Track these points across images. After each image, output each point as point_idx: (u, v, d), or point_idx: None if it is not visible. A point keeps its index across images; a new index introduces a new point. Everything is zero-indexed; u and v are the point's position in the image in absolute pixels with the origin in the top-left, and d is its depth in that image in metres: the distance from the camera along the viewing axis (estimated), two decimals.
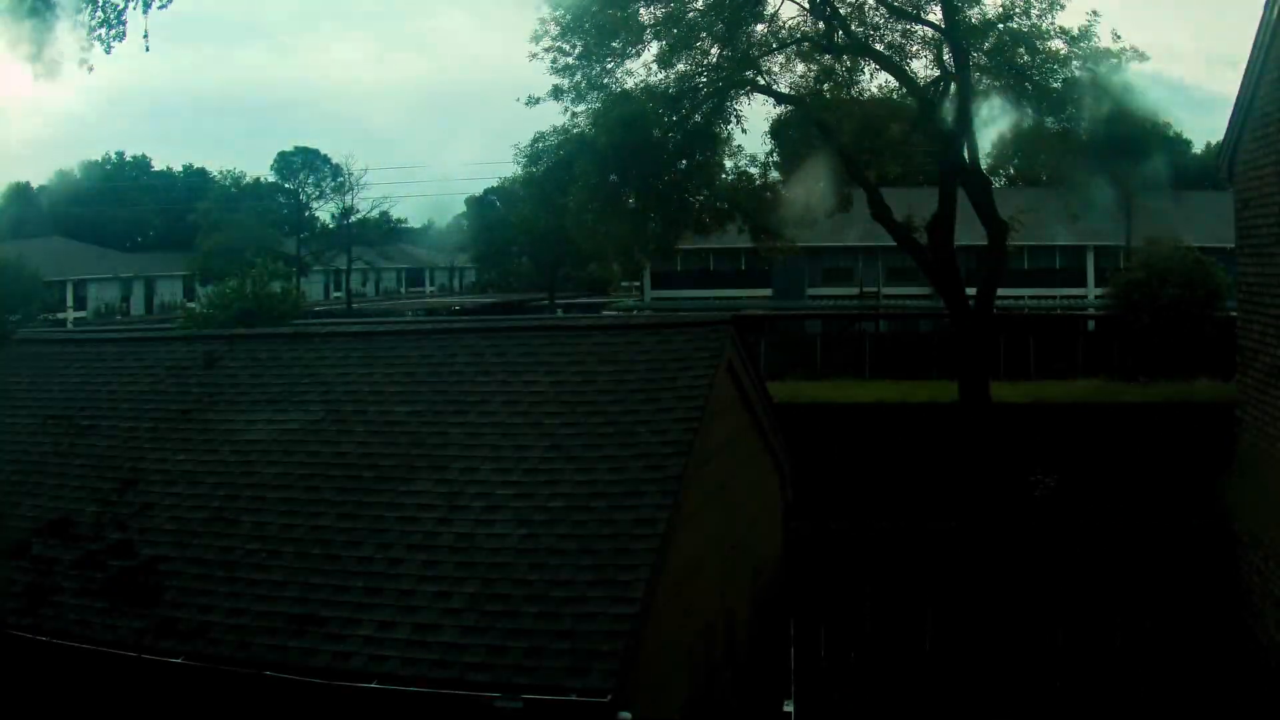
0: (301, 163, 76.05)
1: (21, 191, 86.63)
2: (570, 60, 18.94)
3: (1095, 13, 17.66)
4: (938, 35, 18.30)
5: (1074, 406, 24.04)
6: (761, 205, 21.81)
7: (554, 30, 18.97)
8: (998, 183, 45.06)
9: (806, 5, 19.07)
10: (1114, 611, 15.41)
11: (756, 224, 21.95)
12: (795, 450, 14.38)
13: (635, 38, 18.48)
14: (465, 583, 7.97)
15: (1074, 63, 17.55)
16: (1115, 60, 17.49)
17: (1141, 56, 17.58)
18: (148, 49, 9.34)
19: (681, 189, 20.61)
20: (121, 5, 9.20)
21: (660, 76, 18.87)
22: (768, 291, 57.24)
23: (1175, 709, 14.81)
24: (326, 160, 75.19)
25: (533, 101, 19.60)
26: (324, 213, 75.13)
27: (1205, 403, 23.99)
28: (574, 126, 19.67)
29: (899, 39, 18.97)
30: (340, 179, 70.44)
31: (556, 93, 19.21)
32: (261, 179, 77.77)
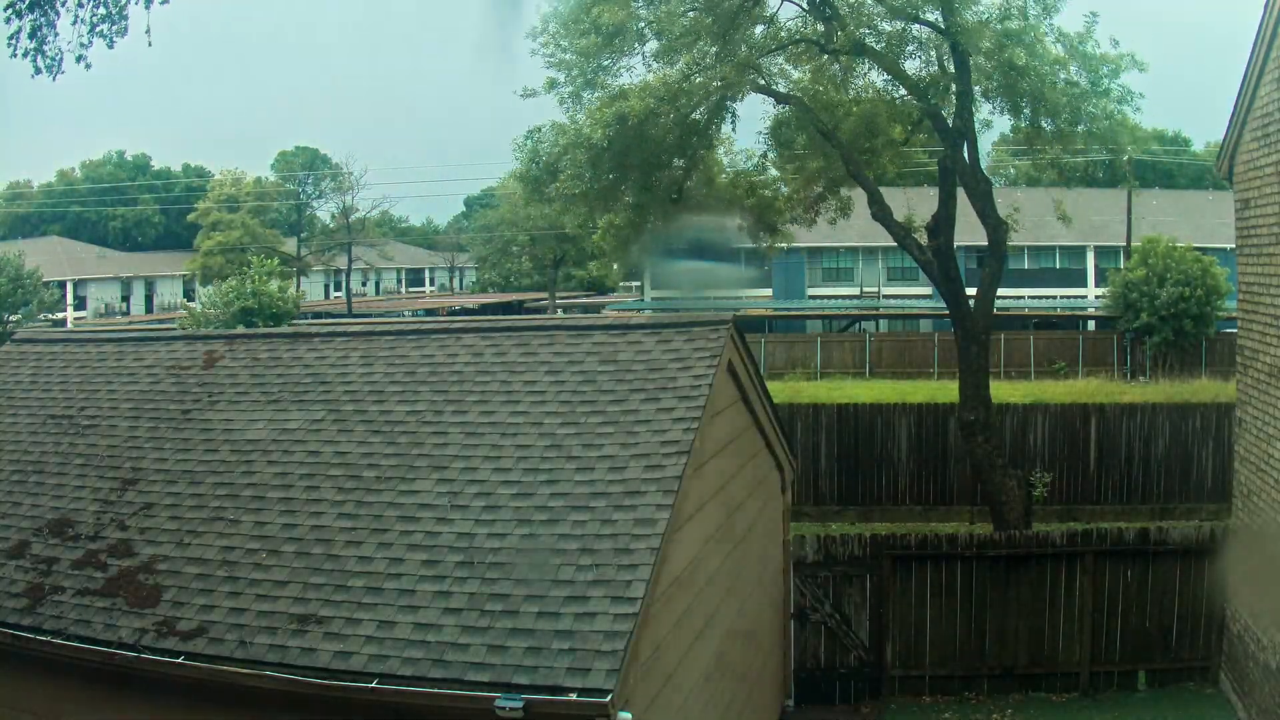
0: (301, 162, 76.12)
1: (22, 191, 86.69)
2: (567, 57, 18.93)
3: (1094, 13, 17.61)
4: (937, 35, 18.29)
5: (1074, 407, 24.04)
6: (760, 204, 21.77)
7: (552, 27, 18.96)
8: (998, 183, 45.03)
9: (805, 5, 19.05)
10: (1111, 612, 15.41)
11: (754, 222, 21.89)
12: (795, 450, 14.35)
13: (635, 37, 18.47)
14: (465, 582, 7.98)
15: (1073, 66, 17.51)
16: (1112, 66, 17.44)
17: (1140, 66, 17.50)
18: (150, 44, 9.33)
19: (679, 188, 20.59)
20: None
21: (657, 75, 18.86)
22: (768, 291, 57.32)
23: (1173, 708, 14.83)
24: (326, 160, 75.30)
25: (528, 94, 19.57)
26: (324, 213, 75.19)
27: (1205, 402, 24.02)
28: (571, 124, 19.62)
29: (898, 39, 18.96)
30: (340, 178, 70.48)
31: (551, 85, 19.17)
32: (262, 178, 77.85)
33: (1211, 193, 57.97)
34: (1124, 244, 48.33)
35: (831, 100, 20.35)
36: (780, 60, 20.09)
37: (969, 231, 21.24)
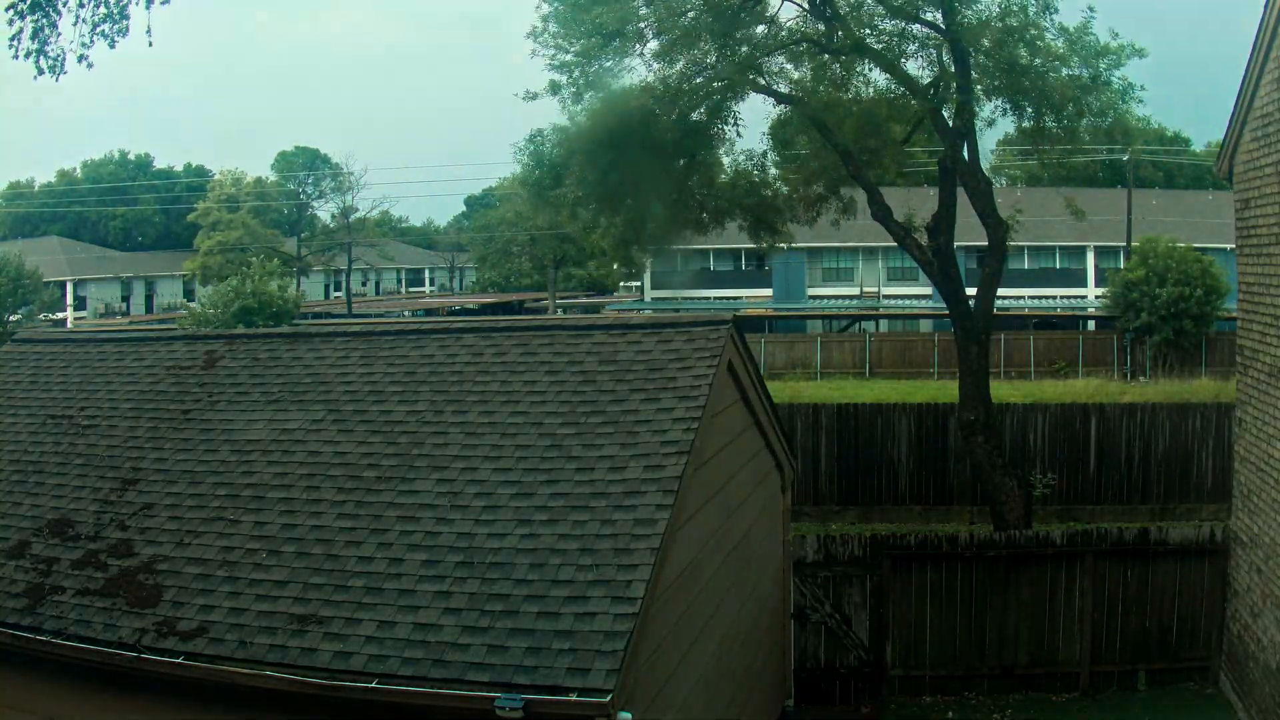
0: (302, 162, 76.12)
1: (22, 191, 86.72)
2: (568, 58, 18.93)
3: (1091, 9, 17.62)
4: (937, 35, 18.28)
5: (1074, 407, 24.03)
6: (761, 203, 21.77)
7: (553, 28, 18.96)
8: (998, 183, 45.03)
9: (806, 5, 19.04)
10: (1111, 612, 15.41)
11: (756, 220, 21.87)
12: (795, 450, 14.33)
13: (635, 37, 18.47)
14: (465, 582, 7.98)
15: (1074, 60, 17.51)
16: (1114, 57, 17.45)
17: (1140, 53, 17.52)
18: (151, 44, 9.38)
19: (680, 187, 20.57)
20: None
21: (659, 75, 18.87)
22: (768, 291, 57.33)
23: (1173, 708, 14.83)
24: (326, 160, 75.30)
25: (530, 97, 19.54)
26: (324, 213, 75.20)
27: (1205, 402, 24.01)
28: (573, 126, 19.60)
29: (899, 39, 18.94)
30: (340, 178, 70.50)
31: (554, 88, 19.17)
32: (262, 178, 77.85)
33: (1211, 193, 58.00)
34: (1124, 244, 48.33)
35: (832, 100, 20.33)
36: (781, 60, 20.08)
37: (969, 231, 21.24)
